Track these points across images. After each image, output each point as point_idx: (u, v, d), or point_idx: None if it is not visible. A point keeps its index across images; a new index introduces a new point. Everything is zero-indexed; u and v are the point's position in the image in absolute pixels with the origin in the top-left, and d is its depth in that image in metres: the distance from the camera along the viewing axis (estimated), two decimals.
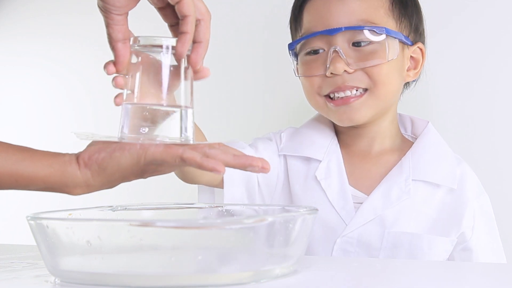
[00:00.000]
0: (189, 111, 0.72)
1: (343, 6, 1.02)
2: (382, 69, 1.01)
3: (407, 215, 1.02)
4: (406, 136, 1.13)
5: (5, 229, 1.82)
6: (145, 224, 0.64)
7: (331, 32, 1.01)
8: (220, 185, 1.03)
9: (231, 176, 1.02)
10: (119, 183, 0.71)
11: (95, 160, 0.69)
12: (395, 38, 1.02)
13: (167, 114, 0.71)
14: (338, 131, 1.11)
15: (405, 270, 0.75)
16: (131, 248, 0.63)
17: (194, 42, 0.72)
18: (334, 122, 1.08)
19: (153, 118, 0.71)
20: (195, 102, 0.73)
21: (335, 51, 1.01)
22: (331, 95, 1.04)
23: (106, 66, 0.72)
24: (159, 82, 0.71)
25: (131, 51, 0.72)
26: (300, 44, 1.06)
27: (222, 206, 0.83)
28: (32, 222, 0.65)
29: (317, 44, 1.03)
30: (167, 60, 0.71)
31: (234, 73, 1.52)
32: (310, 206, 0.71)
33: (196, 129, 0.92)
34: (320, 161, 1.06)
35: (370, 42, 1.01)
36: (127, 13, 0.73)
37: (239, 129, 1.50)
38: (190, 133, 0.72)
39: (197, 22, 0.71)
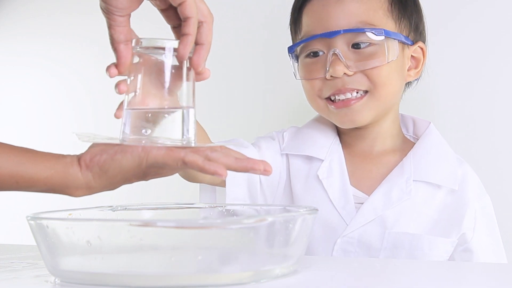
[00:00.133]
0: (191, 113, 0.72)
1: (342, 9, 1.02)
2: (382, 71, 1.01)
3: (407, 216, 1.02)
4: (408, 137, 1.13)
5: (5, 229, 1.82)
6: (145, 224, 0.64)
7: (330, 35, 1.01)
8: (222, 184, 1.02)
9: (233, 175, 1.02)
10: (121, 185, 0.71)
11: (97, 162, 0.69)
12: (395, 39, 1.02)
13: (169, 115, 0.71)
14: (339, 131, 1.11)
15: (405, 270, 0.75)
16: (131, 248, 0.63)
17: (196, 44, 0.71)
18: (336, 124, 1.08)
19: (155, 120, 0.71)
20: (196, 102, 0.73)
21: (334, 54, 1.01)
22: (332, 98, 1.04)
23: (108, 69, 0.72)
24: (161, 84, 0.71)
25: (133, 52, 0.72)
26: (300, 47, 1.06)
27: (222, 206, 0.83)
28: (32, 222, 0.65)
29: (317, 46, 1.03)
30: (169, 62, 0.71)
31: (234, 73, 1.52)
32: (310, 206, 0.71)
33: (199, 127, 0.92)
34: (322, 161, 1.06)
35: (370, 44, 1.01)
36: (129, 15, 0.73)
37: (239, 129, 1.50)
38: (192, 135, 0.72)
39: (200, 24, 0.71)
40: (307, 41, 1.04)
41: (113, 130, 0.73)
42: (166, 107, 0.71)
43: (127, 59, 0.72)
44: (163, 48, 0.70)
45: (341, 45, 1.01)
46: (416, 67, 1.08)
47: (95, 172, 0.69)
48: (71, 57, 1.76)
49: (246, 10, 1.52)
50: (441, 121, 1.30)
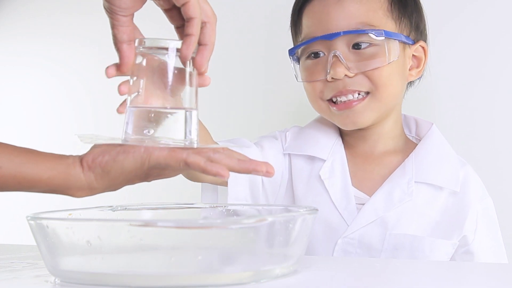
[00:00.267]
0: (194, 113, 0.72)
1: (341, 10, 1.02)
2: (383, 72, 1.01)
3: (409, 217, 1.01)
4: (410, 138, 1.12)
5: (5, 229, 1.82)
6: (145, 224, 0.64)
7: (330, 37, 1.01)
8: (224, 183, 1.02)
9: (235, 175, 1.02)
10: (123, 186, 0.71)
11: (99, 163, 0.69)
12: (395, 39, 1.02)
13: (171, 116, 0.71)
14: (342, 132, 1.11)
15: (406, 270, 0.75)
16: (131, 248, 0.62)
17: (199, 44, 0.71)
18: (338, 125, 1.08)
19: (157, 120, 0.71)
20: (199, 103, 0.73)
21: (335, 55, 1.01)
22: (334, 99, 1.04)
23: (107, 68, 0.72)
24: (163, 84, 0.71)
25: (136, 52, 0.72)
26: (300, 49, 1.06)
27: (223, 206, 0.83)
28: (32, 222, 0.65)
29: (317, 47, 1.03)
30: (172, 62, 0.71)
31: (235, 73, 1.52)
32: (310, 206, 0.71)
33: (201, 127, 0.92)
34: (324, 161, 1.06)
35: (370, 45, 1.01)
36: (132, 15, 0.72)
37: (240, 129, 1.49)
38: (194, 136, 0.72)
39: (203, 24, 0.71)
40: (307, 43, 1.04)
41: (113, 130, 0.73)
42: (168, 107, 0.71)
43: (130, 59, 0.72)
44: (166, 49, 0.70)
45: (341, 47, 1.01)
46: (417, 67, 1.08)
47: (97, 173, 0.69)
48: (71, 57, 1.75)
49: (246, 10, 1.52)
50: (442, 120, 1.29)
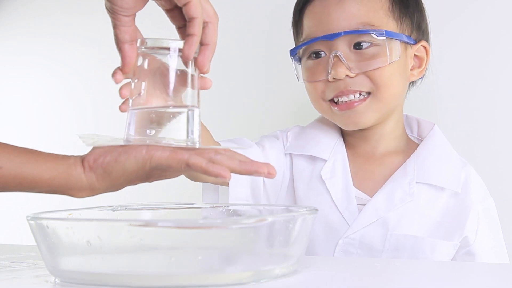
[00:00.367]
0: (196, 113, 0.72)
1: (342, 10, 1.02)
2: (384, 72, 1.01)
3: (410, 218, 1.01)
4: (412, 138, 1.12)
5: (5, 229, 1.82)
6: (145, 224, 0.64)
7: (331, 37, 1.01)
8: (226, 183, 1.02)
9: (237, 175, 1.02)
10: (124, 187, 0.71)
11: (100, 164, 0.69)
12: (396, 39, 1.02)
13: (173, 116, 0.71)
14: (343, 132, 1.10)
15: (406, 271, 0.75)
16: (131, 248, 0.62)
17: (201, 44, 0.71)
18: (340, 126, 1.08)
19: (159, 120, 0.71)
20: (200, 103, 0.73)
21: (336, 55, 1.01)
22: (335, 100, 1.03)
23: (113, 74, 0.72)
24: (165, 84, 0.71)
25: (138, 53, 0.72)
26: (302, 49, 1.06)
27: (223, 206, 0.83)
28: (32, 222, 0.65)
29: (318, 47, 1.03)
30: (174, 62, 0.71)
31: (236, 73, 1.52)
32: (310, 206, 0.71)
33: (203, 127, 0.92)
34: (326, 161, 1.06)
35: (371, 45, 1.01)
36: (134, 15, 0.72)
37: (240, 129, 1.49)
38: (196, 136, 0.72)
39: (205, 24, 0.71)
40: (308, 43, 1.04)
41: (113, 130, 0.73)
42: (170, 107, 0.71)
43: (132, 59, 0.72)
44: (168, 49, 0.70)
45: (342, 47, 1.01)
46: (419, 66, 1.07)
47: (99, 174, 0.69)
48: (71, 57, 1.75)
49: (247, 10, 1.52)
50: (443, 120, 1.29)
